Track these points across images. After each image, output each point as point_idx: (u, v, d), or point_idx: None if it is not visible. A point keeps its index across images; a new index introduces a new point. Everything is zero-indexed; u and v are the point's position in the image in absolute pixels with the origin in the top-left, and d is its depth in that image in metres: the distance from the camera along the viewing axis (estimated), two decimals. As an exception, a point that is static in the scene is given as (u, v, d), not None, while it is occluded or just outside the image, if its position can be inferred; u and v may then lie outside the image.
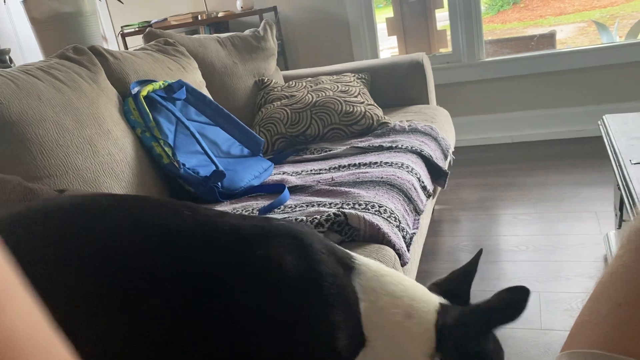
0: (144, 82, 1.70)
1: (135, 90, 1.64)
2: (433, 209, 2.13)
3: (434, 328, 0.74)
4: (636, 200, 1.23)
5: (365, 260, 0.79)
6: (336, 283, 0.71)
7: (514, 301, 0.72)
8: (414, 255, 1.42)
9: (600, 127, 1.80)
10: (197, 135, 1.61)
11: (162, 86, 1.71)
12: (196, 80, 1.98)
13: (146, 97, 1.63)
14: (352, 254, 0.79)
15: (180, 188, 1.60)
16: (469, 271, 0.87)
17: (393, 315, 0.73)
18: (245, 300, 0.67)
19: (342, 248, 0.80)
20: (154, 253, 0.69)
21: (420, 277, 1.82)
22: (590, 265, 1.80)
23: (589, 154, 2.60)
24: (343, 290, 0.71)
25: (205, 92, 2.00)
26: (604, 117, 1.83)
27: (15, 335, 0.22)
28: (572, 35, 4.58)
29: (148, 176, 1.58)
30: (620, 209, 1.69)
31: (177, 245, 0.70)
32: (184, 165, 1.55)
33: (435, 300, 0.79)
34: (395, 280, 0.77)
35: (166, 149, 1.56)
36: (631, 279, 0.44)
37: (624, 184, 1.36)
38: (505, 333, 1.56)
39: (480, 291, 1.80)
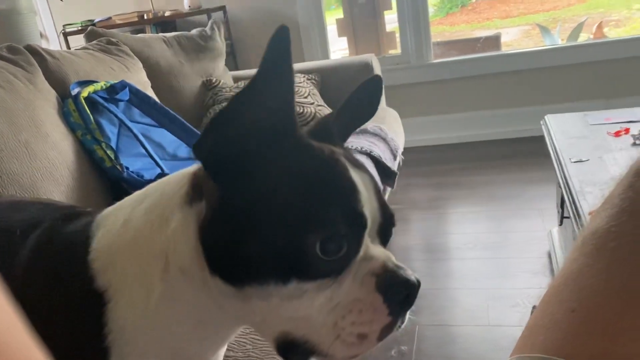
0: (84, 83, 1.63)
1: (75, 91, 1.58)
2: (384, 209, 2.14)
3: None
4: (575, 197, 1.27)
5: None
6: None
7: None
8: (364, 255, 1.41)
9: (543, 126, 1.85)
10: (141, 137, 1.56)
11: (104, 87, 1.65)
12: (140, 80, 1.92)
13: (87, 99, 1.57)
14: None
15: (124, 192, 1.55)
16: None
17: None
18: None
19: None
20: None
21: (372, 277, 1.82)
22: (536, 262, 1.85)
23: (534, 153, 2.67)
24: None
25: (150, 93, 1.94)
26: (545, 117, 1.89)
27: None
28: (517, 38, 4.71)
29: (90, 180, 1.52)
30: (562, 206, 1.75)
31: None
32: (127, 168, 1.50)
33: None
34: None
35: (108, 151, 1.51)
36: (586, 284, 0.43)
37: (564, 181, 1.40)
38: (453, 330, 1.58)
39: (431, 289, 1.82)
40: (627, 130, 1.63)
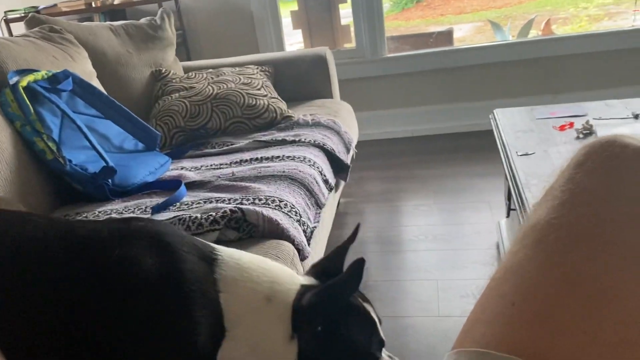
0: (23, 72, 1.56)
1: (13, 80, 1.50)
2: (338, 202, 2.14)
3: (291, 309, 0.77)
4: (521, 189, 1.30)
5: (229, 250, 0.82)
6: (195, 279, 0.73)
7: (352, 274, 0.77)
8: (316, 248, 1.41)
9: (491, 121, 1.88)
10: (85, 129, 1.50)
11: (46, 76, 1.58)
12: (85, 70, 1.85)
13: (27, 88, 1.50)
14: (215, 246, 0.82)
15: (67, 186, 1.49)
16: (342, 248, 0.92)
17: (253, 301, 0.77)
18: (105, 302, 0.69)
19: (204, 241, 0.83)
20: (6, 264, 0.69)
21: (325, 271, 1.82)
22: (485, 253, 1.89)
23: (483, 147, 2.72)
24: (202, 285, 0.74)
25: (96, 83, 1.87)
26: (494, 111, 1.92)
27: None
28: (470, 34, 4.79)
29: (30, 174, 1.46)
30: (509, 199, 1.79)
31: (33, 253, 0.70)
32: (70, 161, 1.44)
33: (298, 281, 0.83)
34: (258, 266, 0.81)
35: (50, 144, 1.45)
36: (526, 277, 0.43)
37: (511, 174, 1.43)
38: (405, 322, 1.60)
39: (383, 281, 1.83)
40: (571, 125, 1.67)
